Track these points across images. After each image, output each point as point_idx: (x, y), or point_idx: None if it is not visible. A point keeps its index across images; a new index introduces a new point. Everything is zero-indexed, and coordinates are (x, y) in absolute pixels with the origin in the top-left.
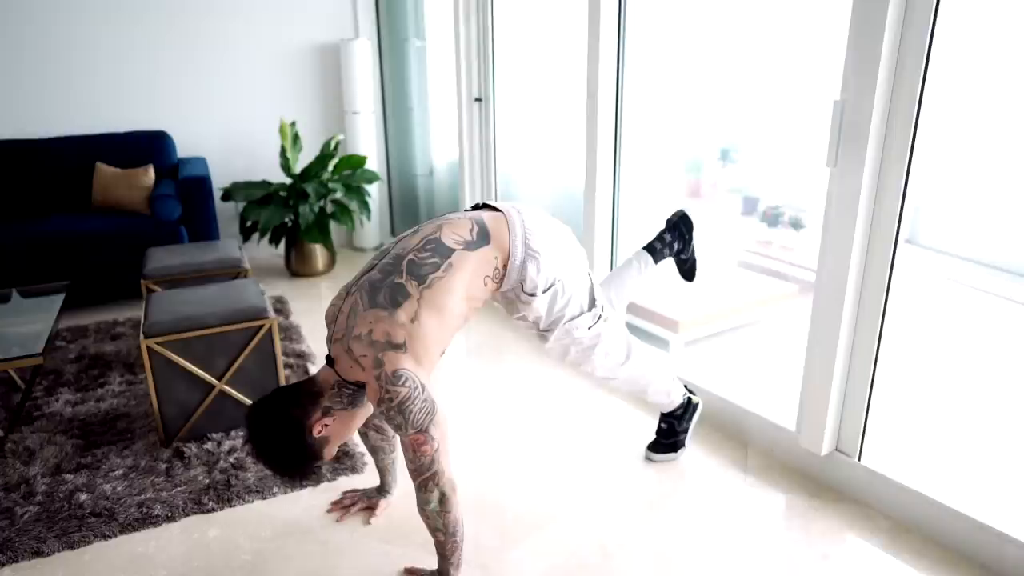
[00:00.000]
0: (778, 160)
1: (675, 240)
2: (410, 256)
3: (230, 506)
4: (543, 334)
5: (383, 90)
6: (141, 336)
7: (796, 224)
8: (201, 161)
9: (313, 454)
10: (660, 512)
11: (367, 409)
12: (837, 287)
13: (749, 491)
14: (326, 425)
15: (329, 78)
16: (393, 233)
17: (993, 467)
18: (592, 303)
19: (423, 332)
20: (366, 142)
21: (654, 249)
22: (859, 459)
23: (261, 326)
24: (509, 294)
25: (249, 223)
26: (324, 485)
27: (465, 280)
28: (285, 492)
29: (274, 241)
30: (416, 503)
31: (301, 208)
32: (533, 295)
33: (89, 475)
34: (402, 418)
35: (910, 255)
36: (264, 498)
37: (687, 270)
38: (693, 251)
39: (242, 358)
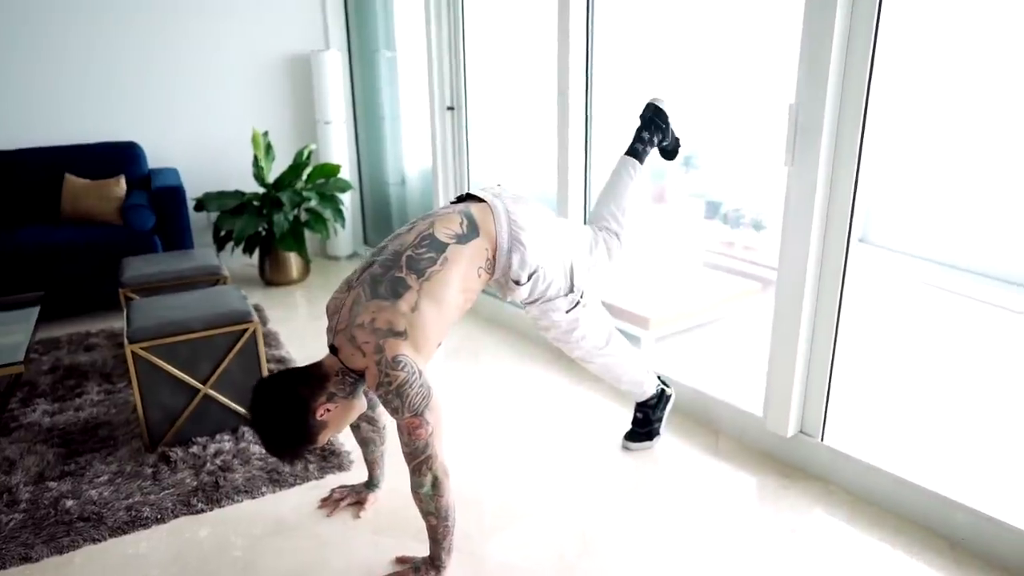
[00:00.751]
0: (738, 165)
1: (654, 134)
2: (408, 252)
3: (219, 506)
4: (528, 307)
5: (354, 100)
6: (125, 341)
7: (757, 225)
8: (173, 172)
9: (310, 436)
10: (638, 497)
11: (362, 403)
12: (797, 279)
13: (721, 474)
14: (328, 410)
15: (300, 88)
16: (366, 242)
17: (941, 441)
18: (571, 288)
19: (423, 321)
20: (338, 151)
21: (636, 151)
22: (822, 439)
23: (245, 329)
24: (500, 279)
25: (223, 232)
26: (312, 483)
27: (461, 272)
28: (274, 491)
29: (248, 250)
30: (410, 487)
31: (276, 217)
32: (518, 282)
33: (74, 482)
34: (399, 401)
35: (862, 253)
36: (253, 498)
37: (670, 151)
38: (672, 133)
39: (227, 362)
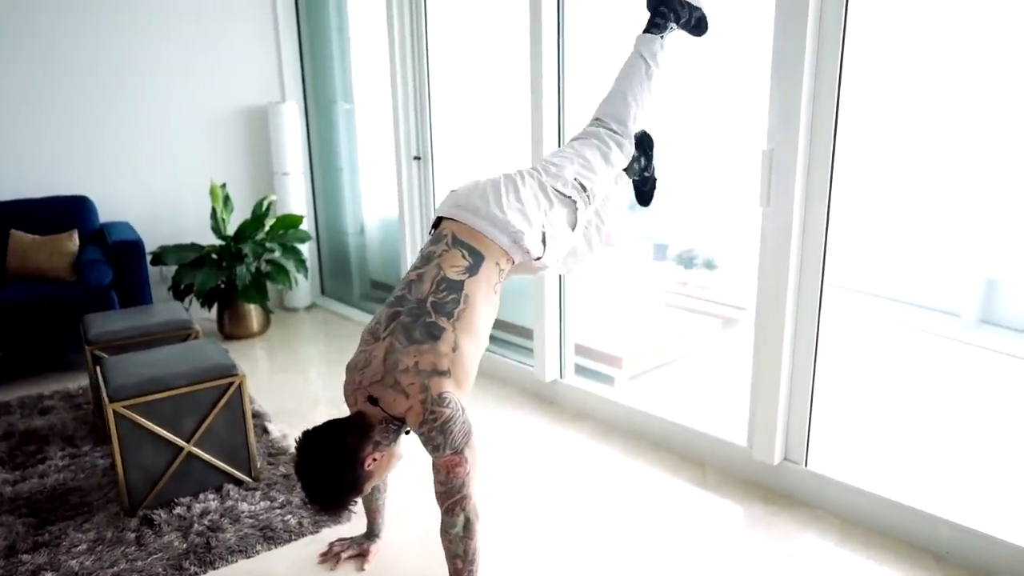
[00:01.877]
0: (685, 207)
1: (669, 14)
2: (431, 299)
3: (213, 568)
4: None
5: (310, 151)
6: (106, 401)
7: (709, 265)
8: (126, 225)
9: (359, 487)
10: (631, 532)
11: (402, 451)
12: (776, 313)
13: (712, 504)
14: (375, 459)
15: (257, 140)
16: (324, 292)
17: (918, 461)
18: (574, 223)
19: (463, 359)
20: (296, 202)
21: (657, 26)
22: (806, 465)
23: (231, 383)
24: (520, 269)
25: (183, 286)
26: (308, 538)
27: (482, 298)
28: (269, 548)
29: (207, 304)
30: (440, 528)
31: (238, 268)
32: (539, 258)
33: (50, 553)
34: (442, 438)
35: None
36: (248, 557)
37: (697, 25)
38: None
39: (211, 417)
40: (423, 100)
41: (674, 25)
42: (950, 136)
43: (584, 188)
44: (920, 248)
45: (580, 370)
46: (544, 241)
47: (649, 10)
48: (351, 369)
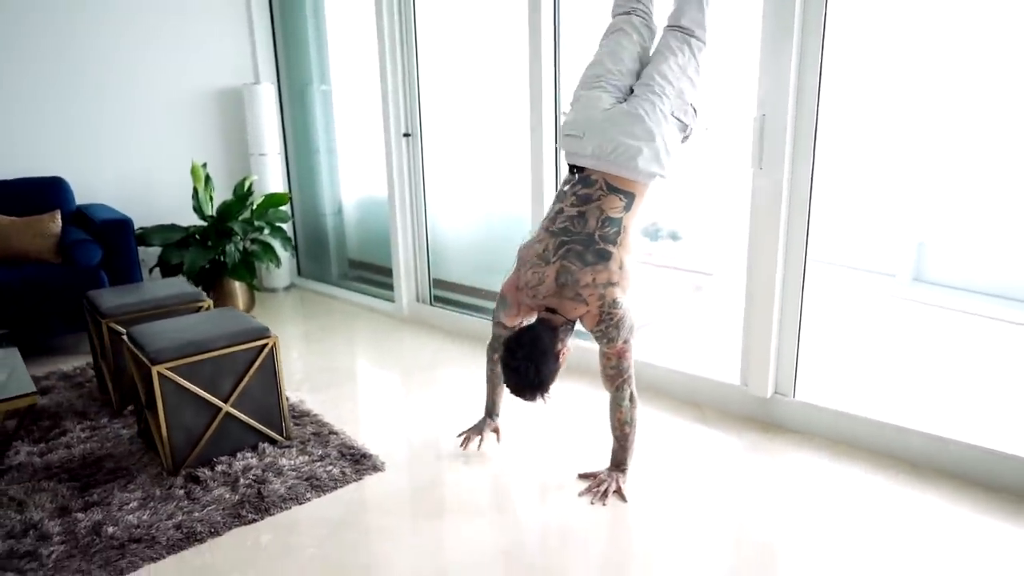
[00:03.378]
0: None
1: None
2: (597, 233)
3: (269, 514)
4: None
5: (284, 133)
6: (149, 364)
7: (674, 236)
8: (104, 207)
9: (555, 374)
10: (646, 470)
11: (571, 348)
12: (768, 263)
13: (713, 438)
14: (563, 353)
15: (232, 121)
16: (300, 273)
17: (886, 386)
18: (684, 138)
19: (626, 271)
20: (275, 182)
21: None
22: (794, 396)
23: (265, 344)
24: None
25: (172, 265)
26: (353, 485)
27: (634, 225)
28: (319, 495)
29: (197, 283)
30: (610, 403)
31: (228, 247)
32: (662, 171)
33: (103, 511)
34: (616, 332)
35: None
36: (300, 504)
37: None
38: None
39: (247, 377)
40: (412, 76)
41: None
42: (889, 115)
43: (695, 110)
44: (857, 216)
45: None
46: (669, 163)
47: None
48: (519, 286)
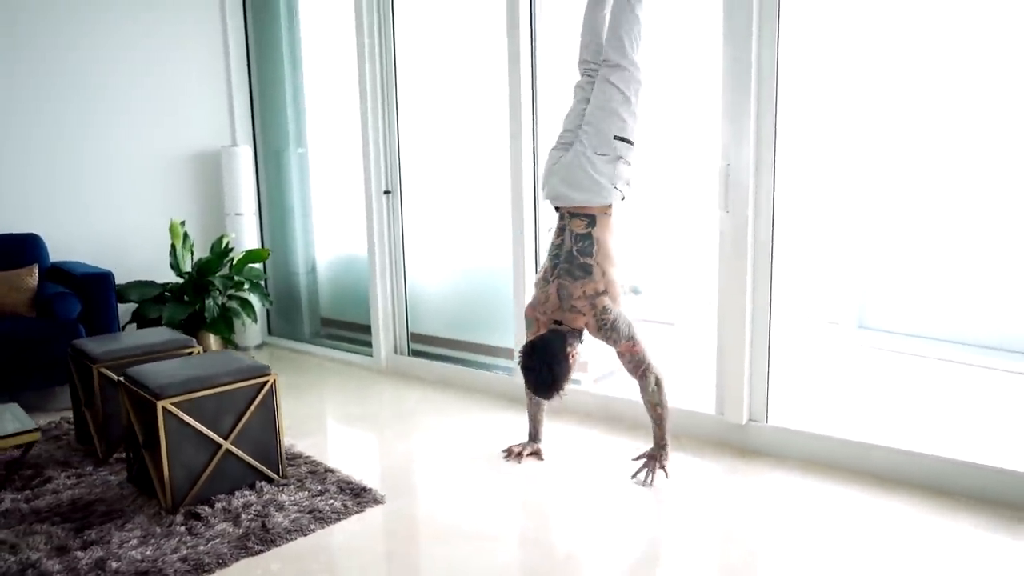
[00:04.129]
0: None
1: None
2: (574, 248)
3: (276, 545)
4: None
5: (259, 193)
6: (154, 399)
7: (635, 291)
8: (80, 264)
9: (568, 374)
10: (632, 496)
11: (579, 353)
12: (737, 299)
13: (692, 464)
14: (573, 356)
15: (209, 182)
16: (271, 332)
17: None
18: (627, 162)
19: (610, 280)
20: (250, 241)
21: None
22: (767, 422)
23: (266, 381)
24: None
25: (150, 319)
26: (355, 516)
27: (607, 236)
28: (323, 527)
29: None
30: (640, 391)
31: (207, 302)
32: (624, 198)
33: (104, 548)
34: (616, 333)
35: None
36: (305, 535)
37: None
38: None
39: (248, 413)
40: (393, 135)
41: None
42: (831, 173)
43: (625, 139)
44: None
45: None
46: (616, 188)
47: None
48: (534, 305)
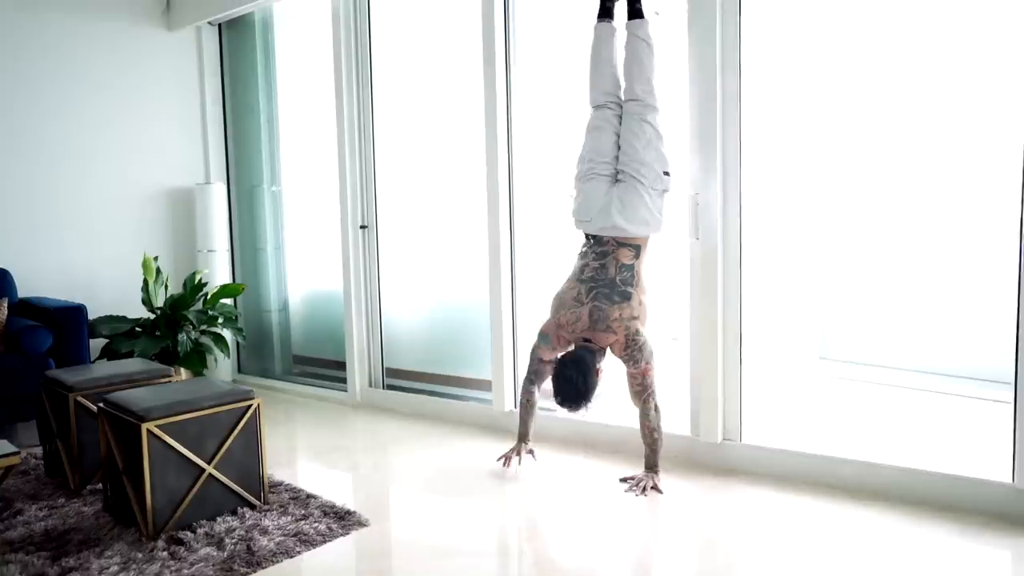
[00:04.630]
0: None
1: None
2: (617, 277)
3: (261, 568)
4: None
5: (232, 230)
6: (138, 422)
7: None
8: (49, 299)
9: (596, 386)
10: (613, 518)
11: (603, 368)
12: (709, 322)
13: (671, 485)
14: (600, 371)
15: (182, 218)
16: (240, 370)
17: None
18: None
19: (644, 308)
20: (222, 278)
21: (637, 10)
22: (741, 440)
23: (250, 405)
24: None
25: (122, 354)
26: (339, 539)
27: (644, 269)
28: (308, 549)
29: None
30: (639, 416)
31: (180, 336)
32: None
33: (84, 575)
34: (640, 354)
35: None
36: (290, 557)
37: None
38: None
39: (232, 438)
40: (370, 170)
41: None
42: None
43: (668, 173)
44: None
45: None
46: (655, 220)
47: None
48: (560, 324)
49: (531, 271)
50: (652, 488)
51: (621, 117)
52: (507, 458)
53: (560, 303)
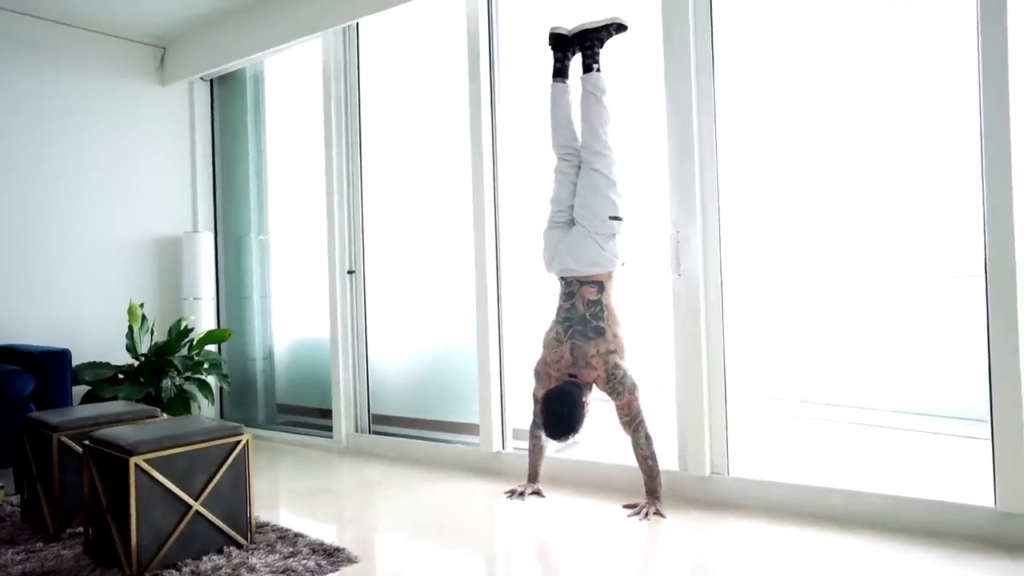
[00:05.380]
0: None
1: (594, 43)
2: (587, 313)
3: None
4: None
5: (217, 279)
6: (127, 456)
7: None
8: (32, 345)
9: (583, 418)
10: (602, 551)
11: (590, 402)
12: (694, 354)
13: (664, 519)
14: (586, 403)
15: (168, 266)
16: (223, 417)
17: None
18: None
19: (620, 340)
20: (207, 325)
21: (591, 67)
22: (729, 474)
23: (239, 441)
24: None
25: (106, 400)
26: (328, 575)
27: (614, 301)
28: None
29: None
30: (631, 444)
31: (164, 382)
32: (624, 263)
33: None
34: (622, 386)
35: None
36: None
37: (616, 28)
38: (604, 28)
39: (220, 474)
40: (357, 216)
41: (600, 50)
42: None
43: (617, 217)
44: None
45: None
46: (617, 257)
47: (579, 49)
48: (547, 363)
49: (517, 312)
50: (655, 514)
51: (578, 168)
52: (513, 492)
53: (546, 343)
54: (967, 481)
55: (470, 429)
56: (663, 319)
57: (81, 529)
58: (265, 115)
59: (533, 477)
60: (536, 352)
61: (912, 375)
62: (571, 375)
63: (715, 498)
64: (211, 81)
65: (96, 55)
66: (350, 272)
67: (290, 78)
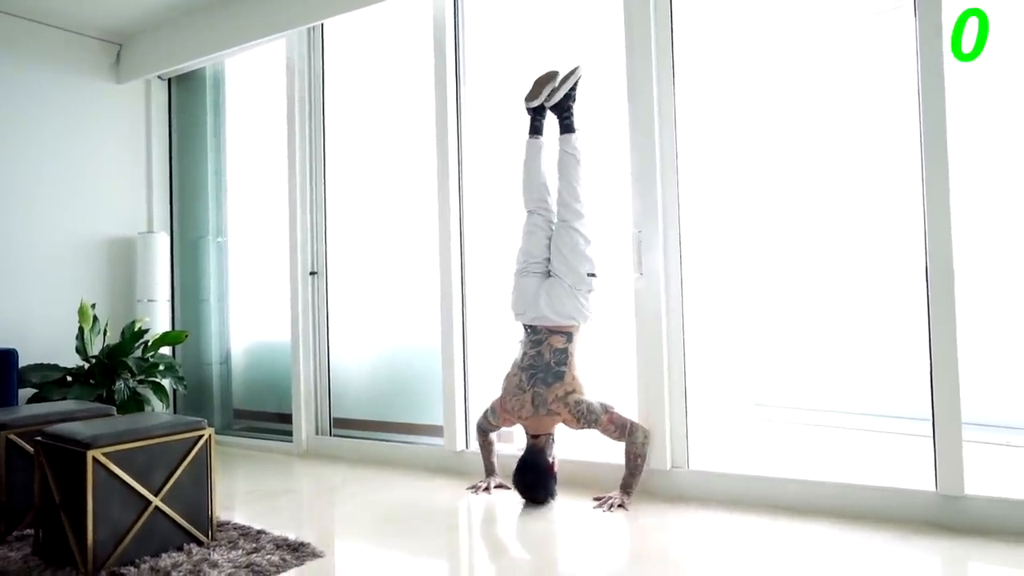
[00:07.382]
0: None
1: (568, 96)
2: (552, 360)
3: None
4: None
5: (173, 281)
6: (84, 450)
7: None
8: None
9: (553, 480)
10: (565, 544)
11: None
12: (655, 350)
13: (626, 512)
14: (553, 462)
15: (121, 267)
16: None
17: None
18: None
19: (578, 381)
20: (162, 328)
21: (569, 127)
22: (689, 467)
23: (201, 436)
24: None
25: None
26: (293, 570)
27: (577, 350)
28: None
29: None
30: (626, 445)
31: (117, 384)
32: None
33: None
34: (592, 415)
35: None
36: None
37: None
38: (569, 82)
39: (181, 469)
40: (320, 216)
41: (574, 106)
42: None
43: (594, 274)
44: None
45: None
46: (580, 310)
47: (556, 115)
48: (509, 411)
49: (480, 312)
50: (619, 507)
51: (551, 222)
52: (476, 487)
53: (506, 388)
54: (911, 470)
55: (432, 431)
56: (625, 318)
57: (30, 532)
58: (225, 115)
59: (491, 471)
60: (499, 356)
61: (860, 378)
62: (532, 435)
63: (676, 491)
64: (169, 80)
65: (49, 50)
66: (312, 273)
67: (252, 78)
